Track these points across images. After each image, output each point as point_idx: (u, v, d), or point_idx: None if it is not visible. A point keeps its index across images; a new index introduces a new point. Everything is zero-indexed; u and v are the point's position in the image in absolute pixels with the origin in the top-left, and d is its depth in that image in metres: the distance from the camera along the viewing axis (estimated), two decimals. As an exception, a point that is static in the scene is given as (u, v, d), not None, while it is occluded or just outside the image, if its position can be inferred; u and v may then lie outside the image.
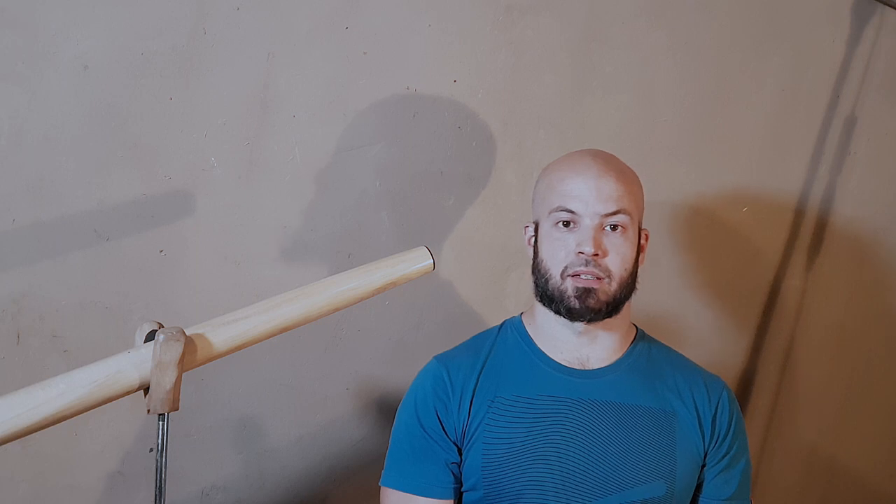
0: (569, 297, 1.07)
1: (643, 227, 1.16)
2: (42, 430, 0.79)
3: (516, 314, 1.23)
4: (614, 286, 1.07)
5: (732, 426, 1.15)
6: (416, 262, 0.99)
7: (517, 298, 1.56)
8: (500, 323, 1.22)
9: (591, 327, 1.11)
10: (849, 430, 2.07)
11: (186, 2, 1.17)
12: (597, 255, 1.06)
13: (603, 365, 1.14)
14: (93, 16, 1.13)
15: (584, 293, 1.06)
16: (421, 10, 1.36)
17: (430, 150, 1.42)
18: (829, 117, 1.80)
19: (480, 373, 1.14)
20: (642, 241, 1.15)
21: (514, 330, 1.19)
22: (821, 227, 1.87)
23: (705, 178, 1.71)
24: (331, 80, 1.31)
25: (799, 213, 1.84)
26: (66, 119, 1.14)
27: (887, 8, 1.77)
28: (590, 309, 1.07)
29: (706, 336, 1.80)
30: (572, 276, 1.07)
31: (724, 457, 1.14)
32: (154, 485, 0.86)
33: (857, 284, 1.96)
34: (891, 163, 1.91)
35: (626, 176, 1.11)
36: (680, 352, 1.23)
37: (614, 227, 1.08)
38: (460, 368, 1.14)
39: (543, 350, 1.15)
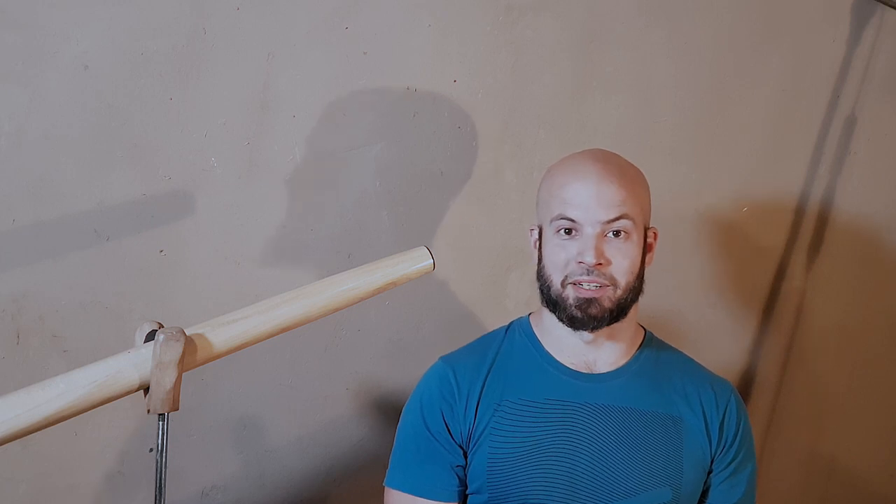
0: (570, 306, 1.06)
1: (652, 225, 1.15)
2: (42, 430, 0.79)
3: (516, 314, 1.23)
4: (619, 293, 1.06)
5: (740, 432, 1.14)
6: (416, 262, 0.98)
7: (517, 298, 1.56)
8: (506, 324, 1.22)
9: (597, 333, 1.10)
10: (849, 431, 2.06)
11: (186, 2, 1.17)
12: (600, 264, 1.05)
13: (610, 369, 1.13)
14: (93, 16, 1.13)
15: (586, 303, 1.05)
16: (421, 10, 1.35)
17: (430, 150, 1.42)
18: (829, 117, 1.80)
19: (487, 375, 1.13)
20: (650, 240, 1.14)
21: (521, 331, 1.18)
22: (821, 227, 1.87)
23: (705, 178, 1.70)
24: (331, 80, 1.31)
25: (799, 213, 1.84)
26: (66, 119, 1.14)
27: (887, 8, 1.77)
28: (592, 317, 1.06)
29: (706, 336, 1.80)
30: (573, 284, 1.06)
31: (730, 463, 1.14)
32: (154, 485, 0.86)
33: (857, 284, 1.96)
34: (891, 163, 1.91)
35: (628, 178, 1.09)
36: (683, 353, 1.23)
37: (617, 233, 1.06)
38: (467, 370, 1.14)
39: (551, 353, 1.14)
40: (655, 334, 1.22)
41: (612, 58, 1.54)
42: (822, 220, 1.86)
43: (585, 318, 1.06)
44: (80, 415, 0.81)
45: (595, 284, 1.05)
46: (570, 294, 1.06)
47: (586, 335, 1.10)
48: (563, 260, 1.07)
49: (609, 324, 1.07)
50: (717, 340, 1.83)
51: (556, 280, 1.08)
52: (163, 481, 0.86)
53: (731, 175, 1.73)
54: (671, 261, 1.71)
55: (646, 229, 1.12)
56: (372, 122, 1.36)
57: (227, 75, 1.22)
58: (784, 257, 1.85)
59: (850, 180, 1.86)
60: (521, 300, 1.56)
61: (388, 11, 1.32)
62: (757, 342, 1.88)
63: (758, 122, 1.73)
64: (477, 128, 1.45)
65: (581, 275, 1.05)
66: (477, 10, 1.40)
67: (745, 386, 1.90)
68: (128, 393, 0.83)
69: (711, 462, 1.13)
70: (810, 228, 1.86)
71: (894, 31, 1.80)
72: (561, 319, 1.09)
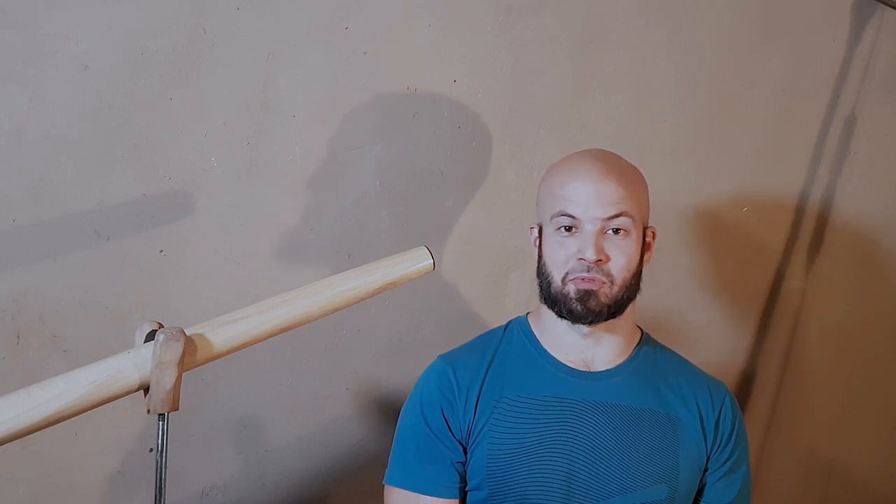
0: (570, 300, 1.07)
1: (650, 224, 1.16)
2: (42, 430, 0.79)
3: (516, 314, 1.23)
4: (616, 289, 1.07)
5: (735, 432, 1.15)
6: (415, 262, 0.98)
7: (517, 298, 1.56)
8: (504, 323, 1.22)
9: (595, 329, 1.11)
10: (849, 431, 2.06)
11: (186, 2, 1.17)
12: (600, 260, 1.06)
13: (607, 367, 1.14)
14: (93, 16, 1.13)
15: (586, 295, 1.06)
16: (421, 10, 1.35)
17: (430, 150, 1.42)
18: (829, 117, 1.80)
19: (486, 373, 1.14)
20: (648, 240, 1.15)
21: (519, 330, 1.19)
22: (821, 227, 1.87)
23: (705, 178, 1.70)
24: (331, 80, 1.31)
25: (799, 213, 1.84)
26: (66, 119, 1.14)
27: (887, 8, 1.77)
28: (591, 311, 1.07)
29: (706, 336, 1.80)
30: (574, 280, 1.07)
31: (725, 462, 1.14)
32: (154, 485, 0.86)
33: (857, 284, 1.96)
34: (891, 163, 1.91)
35: (627, 177, 1.10)
36: (680, 352, 1.23)
37: (616, 231, 1.07)
38: (466, 368, 1.14)
39: (549, 351, 1.15)
40: (656, 334, 1.23)
41: (612, 58, 1.54)
42: (822, 220, 1.86)
43: (584, 311, 1.07)
44: (80, 415, 0.81)
45: (594, 279, 1.06)
46: (571, 288, 1.07)
47: (584, 329, 1.10)
48: (563, 257, 1.08)
49: (607, 319, 1.09)
50: (718, 340, 1.83)
51: (556, 277, 1.09)
52: (163, 481, 0.86)
53: (731, 175, 1.74)
54: (671, 261, 1.71)
55: (644, 228, 1.13)
56: (372, 122, 1.36)
57: (227, 75, 1.22)
58: (784, 257, 1.85)
59: (850, 180, 1.86)
60: (521, 300, 1.56)
61: (388, 11, 1.32)
62: (757, 342, 1.88)
63: (758, 122, 1.73)
64: (477, 128, 1.45)
65: (581, 272, 1.07)
66: (477, 10, 1.40)
67: (745, 386, 1.90)
68: (128, 393, 0.83)
69: (707, 461, 1.14)
70: (810, 228, 1.86)
71: (894, 31, 1.80)
72: (560, 314, 1.10)
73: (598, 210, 1.06)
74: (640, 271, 1.12)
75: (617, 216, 1.06)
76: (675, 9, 1.57)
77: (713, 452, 1.14)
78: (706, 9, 1.61)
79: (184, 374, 0.84)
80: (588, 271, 1.06)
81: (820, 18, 1.73)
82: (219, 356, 0.88)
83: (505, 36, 1.43)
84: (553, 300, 1.10)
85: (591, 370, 1.13)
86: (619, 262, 1.07)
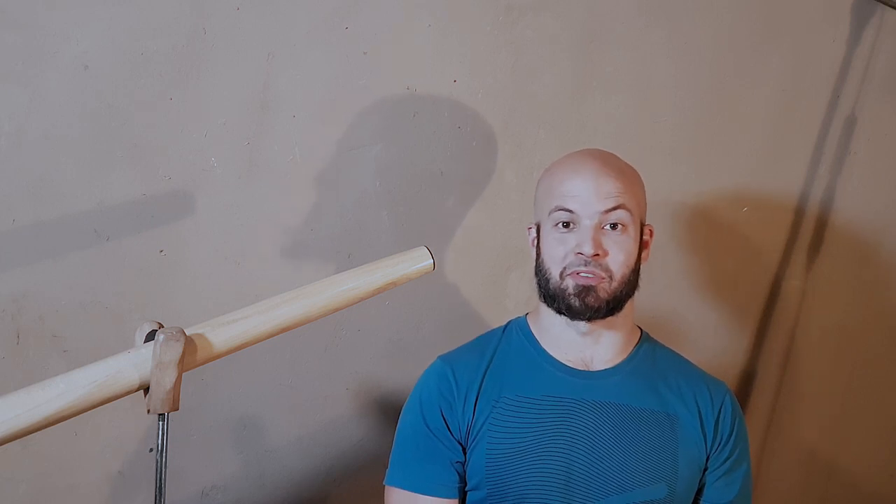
0: (569, 295, 1.07)
1: (647, 222, 1.16)
2: (42, 430, 0.79)
3: (516, 314, 1.23)
4: (615, 285, 1.07)
5: (735, 431, 1.15)
6: (415, 261, 0.98)
7: (517, 298, 1.56)
8: (504, 324, 1.22)
9: (594, 326, 1.11)
10: (849, 431, 2.06)
11: (186, 2, 1.17)
12: (597, 255, 1.06)
13: (607, 366, 1.14)
14: (93, 16, 1.13)
15: (584, 290, 1.06)
16: (421, 10, 1.36)
17: (430, 150, 1.42)
18: (829, 117, 1.80)
19: (485, 373, 1.14)
20: (646, 237, 1.15)
21: (518, 330, 1.19)
22: (821, 227, 1.87)
23: (705, 178, 1.71)
24: (331, 80, 1.31)
25: (799, 213, 1.84)
26: (66, 119, 1.14)
27: (887, 8, 1.77)
28: (589, 307, 1.07)
29: (706, 336, 1.80)
30: (571, 274, 1.07)
31: (725, 461, 1.14)
32: (154, 485, 0.86)
33: (857, 284, 1.96)
34: (891, 163, 1.91)
35: (625, 174, 1.11)
36: (680, 352, 1.23)
37: (614, 226, 1.08)
38: (466, 368, 1.15)
39: (548, 351, 1.15)
40: (656, 333, 1.23)
41: (612, 58, 1.54)
42: (822, 220, 1.87)
43: (583, 306, 1.07)
44: (80, 415, 0.81)
45: (592, 274, 1.06)
46: (570, 283, 1.07)
47: (583, 325, 1.10)
48: (562, 253, 1.08)
49: (605, 315, 1.08)
50: (717, 340, 1.83)
51: (554, 272, 1.09)
52: (163, 481, 0.86)
53: (731, 175, 1.74)
54: (670, 260, 1.71)
55: (642, 226, 1.14)
56: (372, 122, 1.36)
57: (227, 75, 1.22)
58: (784, 257, 1.85)
59: (850, 180, 1.86)
60: (521, 300, 1.56)
61: (388, 11, 1.32)
62: (757, 342, 1.88)
63: (758, 122, 1.73)
64: (477, 128, 1.45)
65: (579, 265, 1.07)
66: (477, 10, 1.40)
67: (745, 386, 1.90)
68: (128, 393, 0.83)
69: (707, 460, 1.14)
70: (810, 228, 1.86)
71: (894, 31, 1.80)
72: (559, 311, 1.10)
73: (596, 204, 1.06)
74: (638, 268, 1.12)
75: (615, 209, 1.07)
76: (675, 9, 1.58)
77: (713, 451, 1.14)
78: (706, 9, 1.61)
79: (184, 374, 0.84)
80: (586, 265, 1.06)
81: (820, 18, 1.73)
82: (219, 356, 0.88)
83: (505, 36, 1.43)
84: (552, 296, 1.10)
85: (590, 369, 1.13)
86: (618, 258, 1.07)
